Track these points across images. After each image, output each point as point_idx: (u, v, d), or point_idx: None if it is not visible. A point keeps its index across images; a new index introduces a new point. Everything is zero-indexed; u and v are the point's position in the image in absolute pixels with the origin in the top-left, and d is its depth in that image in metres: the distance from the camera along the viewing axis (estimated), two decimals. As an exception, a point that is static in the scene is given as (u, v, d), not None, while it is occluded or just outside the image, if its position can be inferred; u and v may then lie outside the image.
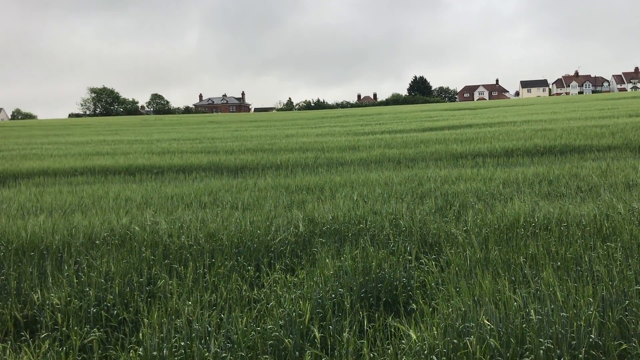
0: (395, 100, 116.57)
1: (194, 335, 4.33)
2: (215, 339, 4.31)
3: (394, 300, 5.08)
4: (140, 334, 4.41)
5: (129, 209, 9.03)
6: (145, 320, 4.58)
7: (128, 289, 5.26)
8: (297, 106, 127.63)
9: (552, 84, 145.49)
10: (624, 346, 3.82)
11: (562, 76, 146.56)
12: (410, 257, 5.90)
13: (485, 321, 4.09)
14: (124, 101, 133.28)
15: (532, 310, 4.18)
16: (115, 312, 4.91)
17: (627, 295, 4.45)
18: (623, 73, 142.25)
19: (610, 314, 4.15)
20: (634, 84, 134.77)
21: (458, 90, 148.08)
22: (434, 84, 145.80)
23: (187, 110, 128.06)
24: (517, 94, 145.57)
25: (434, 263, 5.75)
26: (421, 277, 5.48)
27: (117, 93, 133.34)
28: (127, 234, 6.99)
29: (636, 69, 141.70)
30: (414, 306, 4.86)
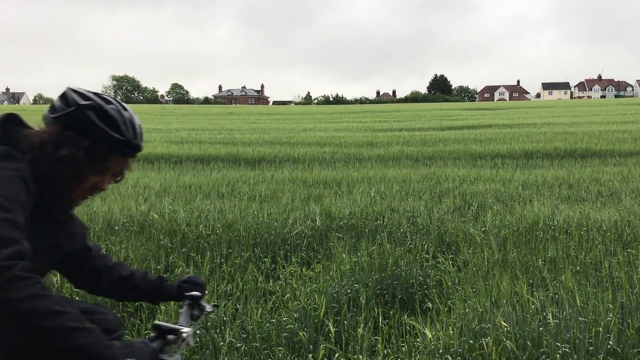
0: (415, 97, 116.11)
1: (209, 324, 4.35)
2: (230, 329, 4.33)
3: (410, 298, 5.06)
4: (157, 320, 4.44)
5: (147, 197, 9.10)
6: (162, 307, 4.62)
7: (146, 276, 5.30)
8: (316, 100, 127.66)
9: (574, 87, 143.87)
10: (643, 354, 3.77)
11: (585, 79, 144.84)
12: (427, 256, 5.87)
13: (503, 323, 4.06)
14: (145, 90, 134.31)
15: (549, 314, 4.14)
16: (132, 297, 4.95)
17: (648, 302, 4.39)
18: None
19: (629, 321, 4.10)
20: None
21: (478, 90, 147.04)
22: (454, 83, 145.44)
23: (206, 101, 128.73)
24: (538, 95, 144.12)
25: (451, 262, 5.72)
26: (438, 276, 5.45)
27: (138, 81, 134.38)
28: (146, 221, 7.04)
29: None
30: (430, 305, 4.84)
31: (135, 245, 6.02)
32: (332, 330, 4.33)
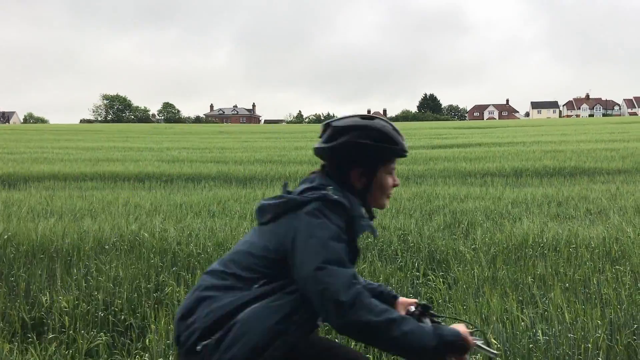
0: (405, 116, 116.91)
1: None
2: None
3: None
4: (147, 340, 4.42)
5: (138, 216, 9.08)
6: (153, 326, 4.60)
7: (136, 295, 5.28)
8: (307, 119, 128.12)
9: (563, 105, 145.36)
10: (632, 370, 3.80)
11: (573, 98, 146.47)
12: (418, 273, 5.90)
13: (493, 340, 4.07)
14: (136, 109, 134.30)
15: (539, 331, 4.17)
16: (122, 317, 4.93)
17: (636, 319, 4.42)
18: (634, 97, 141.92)
19: (618, 337, 4.13)
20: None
21: (468, 109, 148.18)
22: (444, 102, 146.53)
23: (198, 120, 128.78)
24: (527, 114, 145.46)
25: (441, 280, 5.74)
26: (429, 294, 5.47)
27: (129, 101, 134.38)
28: (136, 240, 7.03)
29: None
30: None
31: (126, 264, 6.00)
32: (323, 348, 4.33)
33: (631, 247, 6.34)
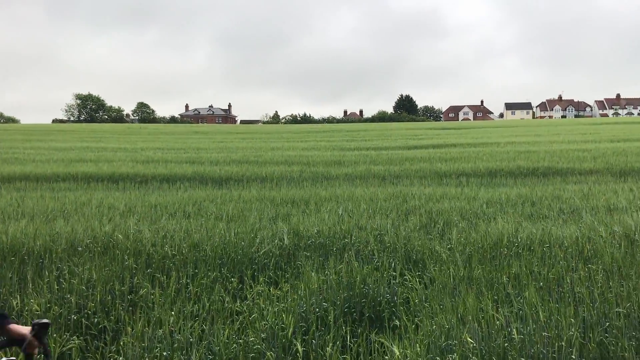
0: (381, 117, 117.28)
1: (175, 345, 4.29)
2: (196, 350, 4.28)
3: (378, 316, 5.08)
4: (121, 343, 4.36)
5: (112, 217, 8.95)
6: (128, 328, 4.53)
7: (109, 297, 5.20)
8: (284, 120, 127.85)
9: (536, 107, 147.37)
10: (605, 368, 3.86)
11: (546, 100, 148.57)
12: (394, 273, 5.91)
13: (469, 339, 4.10)
14: (110, 109, 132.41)
15: (514, 330, 4.20)
16: (96, 320, 4.85)
17: (608, 317, 4.49)
18: (605, 99, 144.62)
19: (591, 335, 4.19)
20: (615, 110, 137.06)
21: (443, 109, 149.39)
22: (420, 103, 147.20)
23: (173, 120, 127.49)
24: (501, 115, 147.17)
25: (418, 280, 5.77)
26: (405, 294, 5.49)
27: (102, 100, 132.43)
28: (110, 241, 6.92)
29: (617, 95, 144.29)
30: (397, 322, 4.86)
31: (99, 266, 5.91)
32: (300, 350, 4.31)
33: (603, 246, 6.44)
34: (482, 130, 47.24)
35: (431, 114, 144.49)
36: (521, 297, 5.01)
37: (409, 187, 13.19)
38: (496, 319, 4.47)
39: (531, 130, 44.45)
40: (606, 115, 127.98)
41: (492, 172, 16.13)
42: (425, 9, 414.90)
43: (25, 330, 2.23)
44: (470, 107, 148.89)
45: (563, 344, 4.03)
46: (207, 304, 5.16)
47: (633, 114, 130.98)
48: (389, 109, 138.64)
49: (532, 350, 3.99)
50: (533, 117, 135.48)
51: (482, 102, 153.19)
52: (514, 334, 4.16)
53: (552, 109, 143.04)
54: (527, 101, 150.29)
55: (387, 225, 7.84)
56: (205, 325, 4.75)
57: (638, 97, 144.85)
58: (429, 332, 4.34)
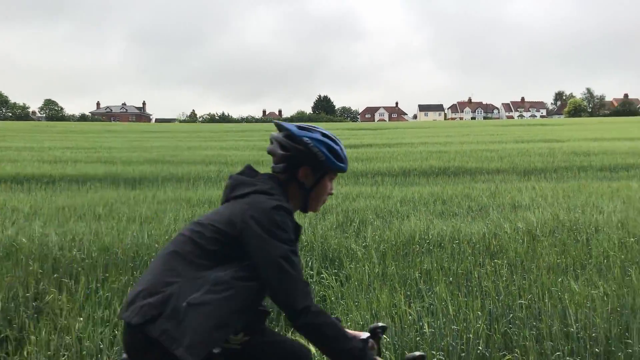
0: (300, 117, 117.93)
1: (84, 352, 4.12)
2: (107, 357, 4.13)
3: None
4: (25, 352, 4.13)
5: (15, 220, 8.46)
6: (32, 337, 4.30)
7: (13, 305, 4.92)
8: (201, 118, 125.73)
9: (448, 108, 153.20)
10: (508, 357, 4.06)
11: (457, 102, 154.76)
12: (312, 272, 5.96)
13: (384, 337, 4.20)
14: (14, 106, 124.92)
15: (425, 324, 4.35)
16: (-4, 329, 4.57)
17: (512, 309, 4.74)
18: (511, 102, 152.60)
19: (496, 326, 4.41)
20: (520, 112, 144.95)
21: (360, 110, 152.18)
22: (338, 104, 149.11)
23: (83, 118, 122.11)
24: (415, 117, 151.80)
25: (334, 278, 5.84)
26: (322, 292, 5.55)
27: (5, 96, 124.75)
28: (13, 245, 6.54)
29: (522, 98, 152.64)
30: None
31: (1, 272, 5.57)
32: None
33: (508, 241, 6.79)
34: (397, 131, 48.53)
35: (348, 114, 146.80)
36: (432, 292, 5.19)
37: (326, 186, 13.32)
38: (408, 314, 4.61)
39: (443, 131, 46.14)
40: (512, 117, 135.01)
41: (406, 171, 16.62)
42: (342, 11, 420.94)
43: (364, 334, 2.42)
44: (386, 108, 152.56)
45: (471, 335, 4.21)
46: (119, 309, 4.99)
47: (536, 116, 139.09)
48: (308, 110, 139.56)
49: (442, 343, 4.15)
50: (445, 119, 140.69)
51: (397, 103, 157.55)
52: (425, 328, 4.30)
53: (463, 111, 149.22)
54: (440, 103, 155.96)
55: (305, 224, 7.89)
56: (117, 331, 4.59)
57: (541, 100, 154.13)
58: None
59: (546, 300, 4.78)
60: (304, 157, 2.44)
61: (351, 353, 2.11)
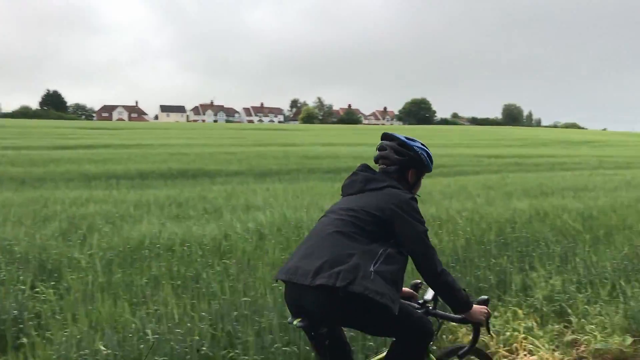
0: (25, 113, 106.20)
1: None
2: None
3: (1, 335, 4.54)
4: None
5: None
6: None
7: None
8: None
9: (190, 110, 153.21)
10: (231, 354, 4.19)
11: (199, 104, 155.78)
12: (23, 287, 5.37)
13: (101, 347, 3.99)
14: None
15: (149, 330, 4.24)
16: None
17: (237, 306, 4.89)
18: (251, 107, 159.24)
19: (221, 325, 4.50)
20: (260, 117, 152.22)
21: (96, 109, 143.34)
22: (70, 100, 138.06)
23: None
24: (156, 117, 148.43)
25: (52, 291, 5.35)
26: (37, 307, 5.04)
27: None
28: None
29: (262, 104, 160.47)
30: (25, 339, 4.42)
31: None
32: None
33: (238, 241, 7.02)
34: (136, 132, 46.88)
35: (83, 112, 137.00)
36: (158, 297, 5.09)
37: (53, 190, 12.24)
38: (132, 322, 4.45)
39: (185, 134, 46.02)
40: (252, 121, 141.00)
41: (143, 174, 16.12)
42: (76, 2, 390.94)
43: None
44: (125, 107, 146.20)
45: (196, 337, 4.23)
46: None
47: (274, 121, 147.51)
48: (35, 105, 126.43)
49: (166, 348, 4.09)
50: (187, 120, 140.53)
51: (137, 102, 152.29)
52: (149, 335, 4.19)
53: (205, 113, 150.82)
54: (182, 104, 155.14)
55: (20, 234, 7.11)
56: None
57: (279, 106, 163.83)
58: (59, 345, 4.07)
59: (267, 296, 5.05)
60: (414, 161, 3.06)
61: (463, 299, 2.88)
